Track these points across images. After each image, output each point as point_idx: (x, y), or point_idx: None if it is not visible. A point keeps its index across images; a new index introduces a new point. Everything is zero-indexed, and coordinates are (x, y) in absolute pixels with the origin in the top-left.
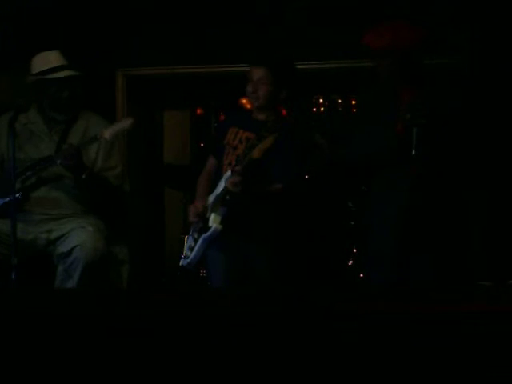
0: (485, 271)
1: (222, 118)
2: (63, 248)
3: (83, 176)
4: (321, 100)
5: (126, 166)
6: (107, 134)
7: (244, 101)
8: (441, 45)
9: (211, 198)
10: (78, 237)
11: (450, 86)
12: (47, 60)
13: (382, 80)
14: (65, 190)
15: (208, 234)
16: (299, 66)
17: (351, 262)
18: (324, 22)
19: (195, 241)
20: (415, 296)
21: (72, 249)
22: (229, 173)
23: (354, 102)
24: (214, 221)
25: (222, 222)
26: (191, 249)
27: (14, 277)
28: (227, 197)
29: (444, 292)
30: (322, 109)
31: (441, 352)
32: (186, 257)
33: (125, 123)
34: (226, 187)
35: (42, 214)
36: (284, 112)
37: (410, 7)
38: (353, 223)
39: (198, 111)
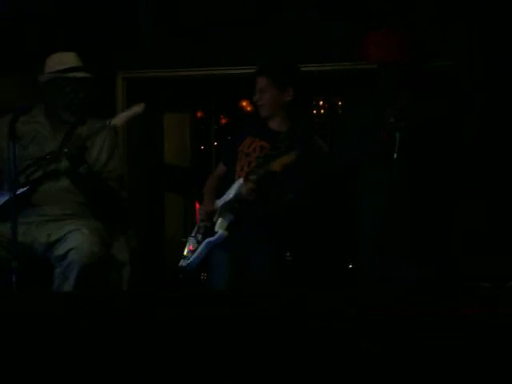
0: (477, 273)
1: (224, 121)
2: (60, 251)
3: (82, 170)
4: (321, 102)
5: (126, 174)
6: (118, 120)
7: (244, 103)
8: (436, 47)
9: (220, 203)
10: (73, 240)
11: (436, 91)
12: (64, 60)
13: (382, 88)
14: (67, 188)
15: (214, 238)
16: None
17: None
18: (323, 24)
19: (198, 243)
20: (413, 298)
21: (67, 252)
22: (241, 180)
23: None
24: (220, 226)
25: (227, 228)
26: (193, 251)
27: (14, 280)
28: (237, 205)
29: (442, 294)
30: (322, 111)
31: (440, 355)
32: (187, 258)
33: (137, 108)
34: (237, 194)
35: (41, 216)
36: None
37: (407, 9)
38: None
39: (199, 114)
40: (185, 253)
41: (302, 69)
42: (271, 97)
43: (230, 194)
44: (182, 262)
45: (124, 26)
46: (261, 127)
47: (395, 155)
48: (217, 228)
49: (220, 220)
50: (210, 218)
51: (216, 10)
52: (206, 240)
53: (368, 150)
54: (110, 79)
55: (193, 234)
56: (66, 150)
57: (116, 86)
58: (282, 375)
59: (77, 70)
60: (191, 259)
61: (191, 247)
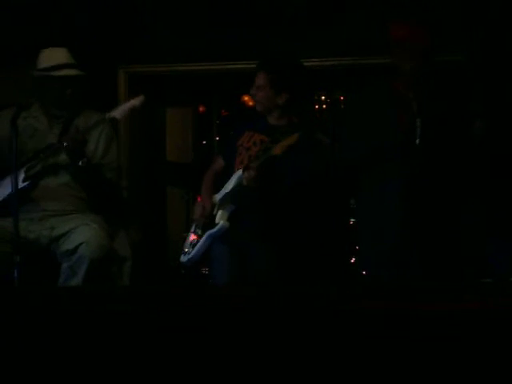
0: (486, 268)
1: (225, 113)
2: (68, 245)
3: (81, 163)
4: (323, 97)
5: (124, 164)
6: (117, 113)
7: (246, 98)
8: (446, 42)
9: (219, 196)
10: (83, 234)
11: (457, 84)
12: (53, 56)
13: (402, 75)
14: (67, 183)
15: (214, 230)
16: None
17: (353, 259)
18: (325, 20)
19: (198, 237)
20: (416, 293)
21: (77, 246)
22: (239, 172)
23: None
24: (221, 217)
25: (228, 219)
26: (193, 245)
27: (16, 274)
28: (237, 194)
29: (444, 289)
30: (324, 106)
31: (441, 350)
32: (188, 253)
33: (135, 101)
34: (238, 185)
35: (43, 211)
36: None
37: (414, 5)
38: (354, 220)
39: (201, 108)
40: (185, 249)
41: (305, 63)
42: (266, 97)
43: (229, 185)
44: (183, 258)
45: (126, 20)
46: (260, 122)
47: (417, 141)
48: (217, 220)
49: (220, 212)
50: (209, 213)
51: (217, 6)
52: (207, 233)
53: (388, 142)
54: (112, 74)
55: (192, 230)
56: (65, 144)
57: (118, 81)
58: (283, 370)
59: (63, 68)
60: (192, 254)
61: (192, 242)
